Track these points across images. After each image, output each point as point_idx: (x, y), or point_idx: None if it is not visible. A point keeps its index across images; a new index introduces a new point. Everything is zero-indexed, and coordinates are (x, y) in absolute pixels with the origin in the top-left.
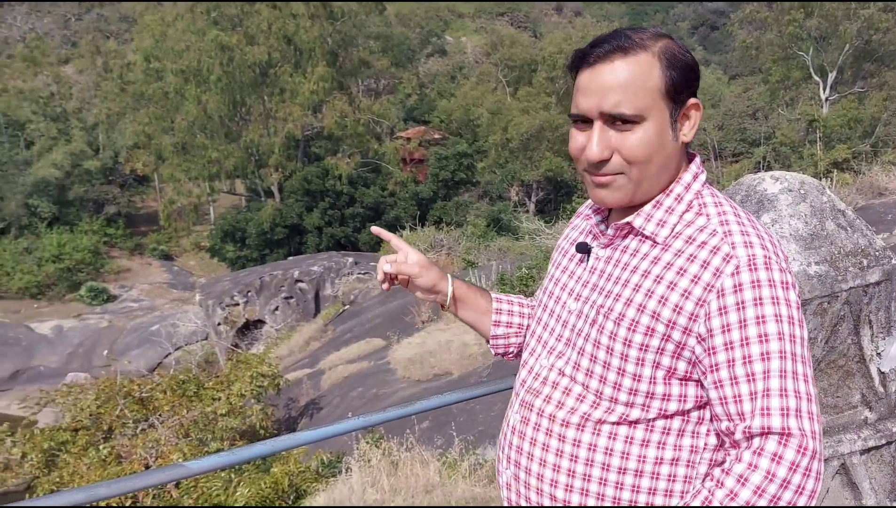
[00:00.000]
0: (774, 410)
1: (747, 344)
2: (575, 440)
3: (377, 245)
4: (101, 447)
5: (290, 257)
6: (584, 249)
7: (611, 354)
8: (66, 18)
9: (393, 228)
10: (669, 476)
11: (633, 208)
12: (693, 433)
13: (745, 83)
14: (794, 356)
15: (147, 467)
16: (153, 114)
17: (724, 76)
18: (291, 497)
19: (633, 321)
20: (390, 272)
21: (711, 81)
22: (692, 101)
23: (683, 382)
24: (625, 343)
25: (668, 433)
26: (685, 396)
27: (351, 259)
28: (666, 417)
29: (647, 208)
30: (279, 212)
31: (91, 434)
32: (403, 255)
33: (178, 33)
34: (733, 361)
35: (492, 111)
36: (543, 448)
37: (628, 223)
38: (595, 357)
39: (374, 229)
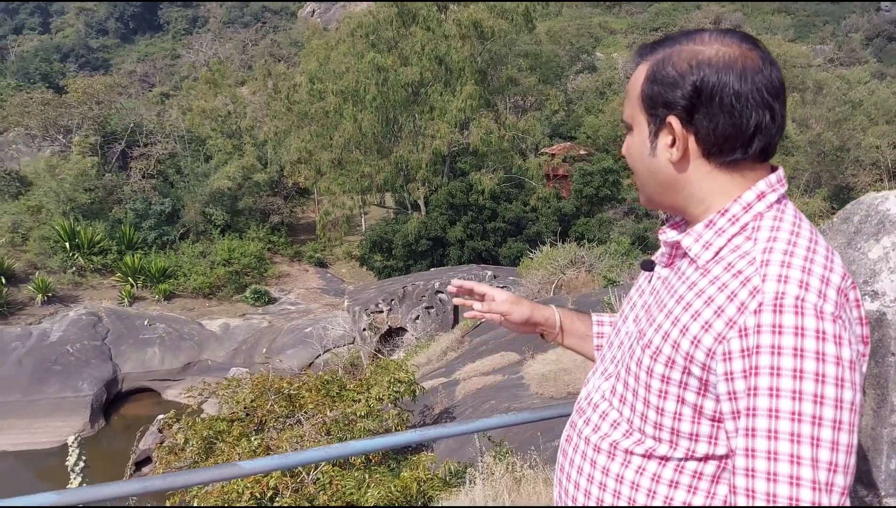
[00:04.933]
0: (782, 477)
1: (755, 395)
2: (604, 468)
3: (517, 260)
4: (252, 438)
5: (433, 269)
6: (648, 266)
7: (637, 382)
8: (244, 44)
9: (534, 243)
10: None
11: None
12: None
13: None
14: (817, 420)
15: None
16: (314, 132)
17: None
18: (420, 502)
19: (657, 349)
20: (482, 311)
21: (886, 95)
22: (670, 118)
23: (715, 423)
24: (648, 373)
25: (699, 478)
26: (716, 438)
27: (490, 272)
28: (697, 459)
29: (699, 226)
30: (424, 225)
31: (245, 426)
32: (490, 296)
33: (340, 56)
34: (738, 413)
35: None
36: (578, 471)
37: (679, 242)
38: (627, 384)
39: (455, 282)
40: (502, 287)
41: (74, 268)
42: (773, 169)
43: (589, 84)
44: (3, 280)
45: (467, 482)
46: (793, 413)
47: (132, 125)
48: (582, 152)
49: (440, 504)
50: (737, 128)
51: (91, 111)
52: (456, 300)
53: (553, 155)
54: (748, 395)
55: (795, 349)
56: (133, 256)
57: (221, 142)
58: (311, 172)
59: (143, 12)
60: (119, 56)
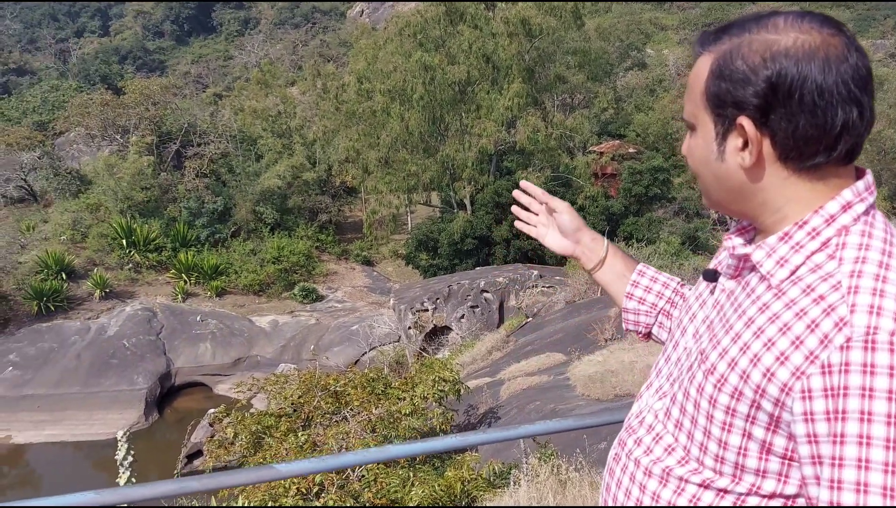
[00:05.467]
0: None
1: (842, 443)
2: (654, 493)
3: (563, 259)
4: (299, 434)
5: (478, 268)
6: (711, 276)
7: (697, 410)
8: (294, 45)
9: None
10: None
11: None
12: None
13: None
14: None
15: None
16: (362, 131)
17: None
18: (464, 502)
19: (721, 378)
20: (539, 197)
21: None
22: (741, 119)
23: (786, 461)
24: (710, 402)
25: None
26: (787, 476)
27: (536, 272)
28: (761, 495)
29: (773, 239)
30: (470, 223)
31: (292, 422)
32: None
33: (388, 55)
34: (820, 459)
35: None
36: (626, 494)
37: (748, 255)
38: (684, 409)
39: (523, 183)
40: (548, 287)
41: (131, 264)
42: (860, 174)
43: (639, 81)
44: (64, 276)
45: (511, 483)
46: (886, 465)
47: (186, 125)
48: (631, 151)
49: (484, 505)
50: (820, 128)
51: (147, 112)
52: (515, 207)
53: (601, 153)
54: (833, 442)
55: (891, 392)
56: (187, 253)
57: (272, 141)
58: (358, 171)
59: (197, 14)
60: (174, 58)
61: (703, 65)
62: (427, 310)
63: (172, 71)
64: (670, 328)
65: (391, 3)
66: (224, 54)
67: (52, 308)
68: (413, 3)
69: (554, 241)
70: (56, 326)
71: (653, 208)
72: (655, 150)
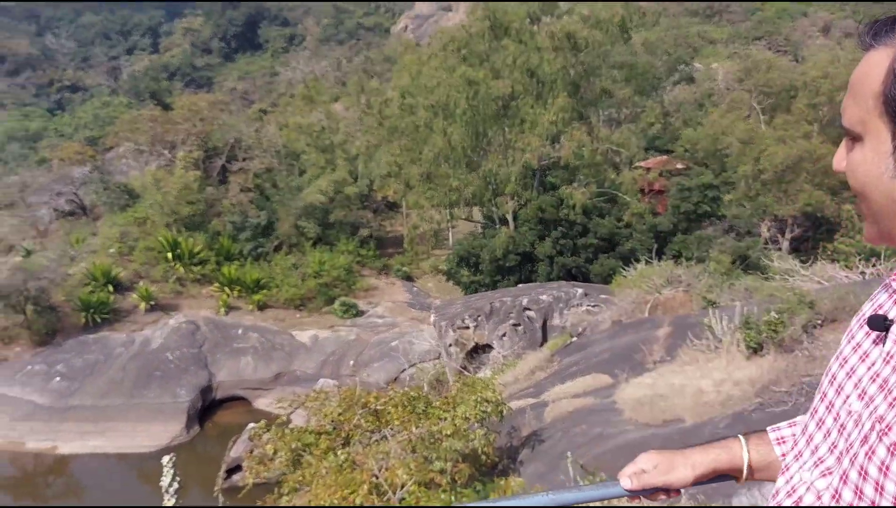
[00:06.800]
0: None
1: None
2: None
3: (609, 277)
4: (339, 452)
5: (521, 285)
6: (878, 324)
7: (881, 494)
8: (339, 61)
9: (627, 260)
10: None
11: None
12: None
13: None
14: None
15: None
16: (404, 146)
17: None
18: None
19: None
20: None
21: None
22: None
23: None
24: (882, 470)
25: None
26: None
27: (581, 290)
28: None
29: None
30: (512, 239)
31: (332, 440)
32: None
33: (431, 70)
34: None
35: (743, 140)
36: None
37: None
38: (861, 493)
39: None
40: (594, 306)
41: (175, 278)
42: None
43: (687, 96)
44: (111, 288)
45: None
46: None
47: (232, 141)
48: (679, 166)
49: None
50: None
51: (195, 127)
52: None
53: (648, 169)
54: None
55: None
56: (230, 267)
57: (315, 156)
58: (400, 186)
59: (244, 32)
60: (221, 74)
61: (878, 61)
62: (468, 327)
63: (219, 87)
64: (819, 385)
65: (435, 18)
66: (270, 71)
67: (99, 320)
68: (458, 18)
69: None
70: (102, 338)
71: (702, 226)
72: (705, 166)
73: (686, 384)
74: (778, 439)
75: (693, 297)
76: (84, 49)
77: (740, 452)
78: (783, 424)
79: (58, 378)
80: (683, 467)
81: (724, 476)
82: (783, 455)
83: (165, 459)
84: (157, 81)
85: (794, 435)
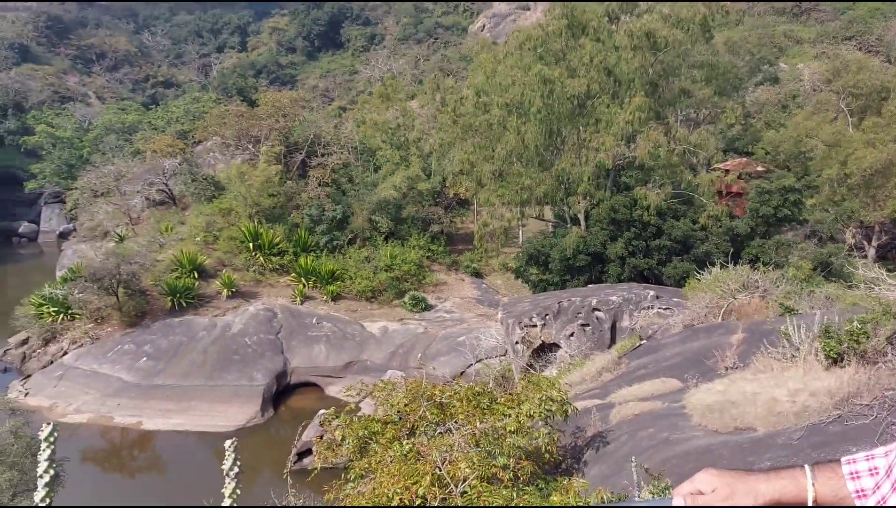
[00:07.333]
0: None
1: None
2: None
3: (682, 280)
4: (404, 442)
5: (590, 285)
6: None
7: None
8: (416, 60)
9: (702, 263)
10: None
11: None
12: None
13: None
14: None
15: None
16: (477, 144)
17: None
18: None
19: None
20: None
21: None
22: None
23: None
24: None
25: None
26: None
27: (652, 292)
28: None
29: None
30: (583, 239)
31: (397, 430)
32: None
33: (507, 69)
34: None
35: (829, 143)
36: None
37: None
38: None
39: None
40: (665, 309)
41: (256, 267)
42: None
43: (770, 96)
44: (196, 275)
45: None
46: None
47: (312, 136)
48: (759, 169)
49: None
50: None
51: (278, 123)
52: None
53: (727, 171)
54: None
55: None
56: (306, 258)
57: (390, 153)
58: (472, 184)
59: (327, 31)
60: (304, 72)
61: None
62: (535, 326)
63: (302, 85)
64: None
65: (513, 17)
66: (350, 69)
67: (184, 304)
68: (535, 17)
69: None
70: (186, 321)
71: (782, 231)
72: (787, 169)
73: (759, 392)
74: (852, 473)
75: (769, 303)
76: (177, 46)
77: (807, 484)
78: (859, 456)
79: (145, 358)
80: (745, 495)
81: None
82: (857, 491)
83: (227, 443)
84: (244, 78)
85: (872, 470)
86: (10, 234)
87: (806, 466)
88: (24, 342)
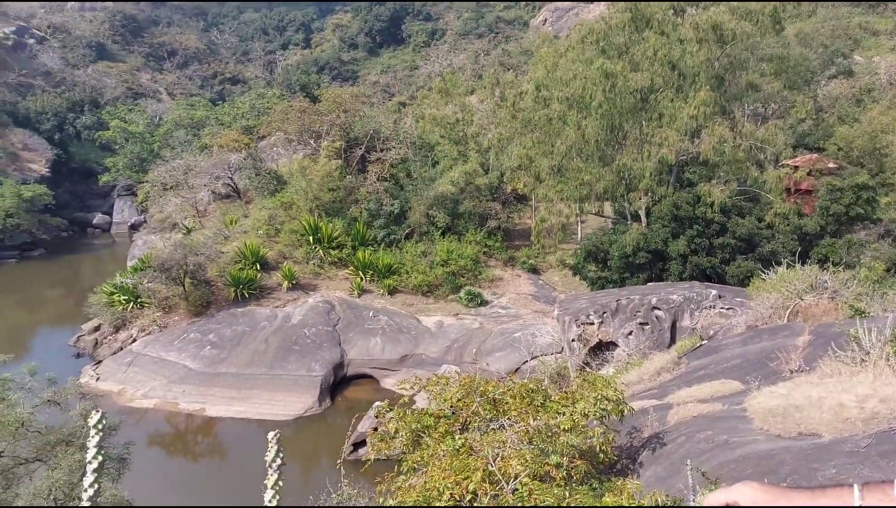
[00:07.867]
0: None
1: None
2: None
3: (746, 280)
4: (456, 437)
5: (650, 283)
6: None
7: None
8: (476, 54)
9: (767, 263)
10: None
11: None
12: None
13: None
14: None
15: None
16: (536, 139)
17: None
18: None
19: None
20: None
21: None
22: None
23: None
24: None
25: None
26: None
27: (714, 292)
28: None
29: None
30: (644, 236)
31: (450, 424)
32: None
33: (568, 63)
34: None
35: None
36: None
37: None
38: None
39: None
40: (728, 309)
41: (315, 259)
42: None
43: (843, 90)
44: (258, 266)
45: None
46: None
47: (372, 132)
48: (831, 166)
49: None
50: None
51: (338, 119)
52: None
53: (796, 168)
54: None
55: None
56: (364, 251)
57: (448, 148)
58: (530, 179)
59: (389, 27)
60: (366, 68)
61: None
62: (593, 323)
63: (363, 81)
64: None
65: (575, 11)
66: (411, 64)
67: (247, 295)
68: (598, 10)
69: None
70: (249, 311)
71: (854, 230)
72: (860, 165)
73: (825, 397)
74: None
75: (839, 305)
76: (244, 44)
77: (854, 505)
78: None
79: (209, 347)
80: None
81: None
82: None
83: (270, 435)
84: (307, 74)
85: None
86: (85, 225)
87: (855, 485)
88: (97, 328)
